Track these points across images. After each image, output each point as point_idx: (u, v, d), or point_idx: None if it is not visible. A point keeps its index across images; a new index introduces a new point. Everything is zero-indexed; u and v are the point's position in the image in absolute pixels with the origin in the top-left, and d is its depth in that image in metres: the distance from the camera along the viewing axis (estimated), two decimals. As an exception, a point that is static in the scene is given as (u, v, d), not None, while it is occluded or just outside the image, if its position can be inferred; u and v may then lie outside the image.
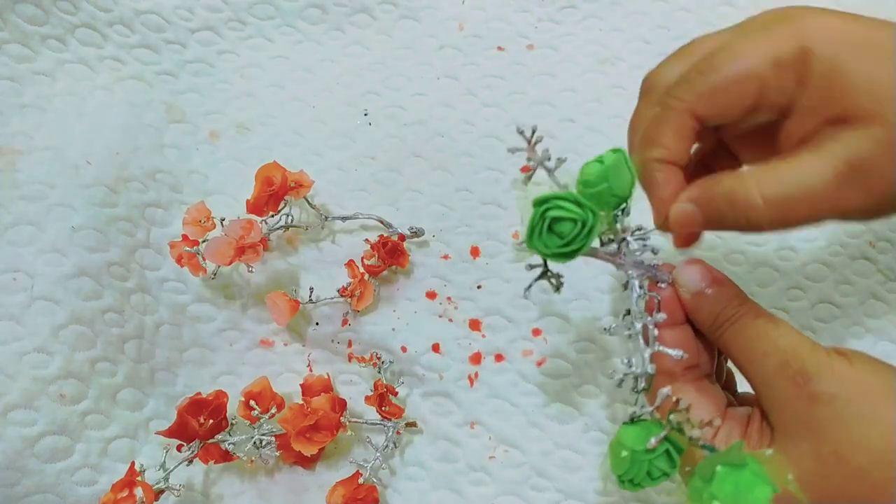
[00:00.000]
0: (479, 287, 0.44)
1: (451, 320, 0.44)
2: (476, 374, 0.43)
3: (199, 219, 0.42)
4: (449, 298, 0.44)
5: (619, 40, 0.50)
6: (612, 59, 0.50)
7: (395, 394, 0.41)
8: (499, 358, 0.43)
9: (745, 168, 0.28)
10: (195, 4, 0.50)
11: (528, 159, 0.28)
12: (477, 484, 0.41)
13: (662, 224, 0.29)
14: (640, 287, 0.28)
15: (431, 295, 0.45)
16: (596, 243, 0.29)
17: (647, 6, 0.51)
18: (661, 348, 0.27)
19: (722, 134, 0.32)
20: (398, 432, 0.41)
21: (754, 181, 0.27)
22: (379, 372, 0.42)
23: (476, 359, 0.43)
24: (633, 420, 0.27)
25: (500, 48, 0.50)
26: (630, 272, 0.29)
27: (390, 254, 0.43)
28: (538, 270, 0.30)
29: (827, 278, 0.44)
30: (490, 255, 0.45)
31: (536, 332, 0.44)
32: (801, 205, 0.26)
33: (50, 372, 0.36)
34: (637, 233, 0.29)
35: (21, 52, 0.43)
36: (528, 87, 0.49)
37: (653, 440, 0.25)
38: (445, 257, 0.45)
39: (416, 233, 0.44)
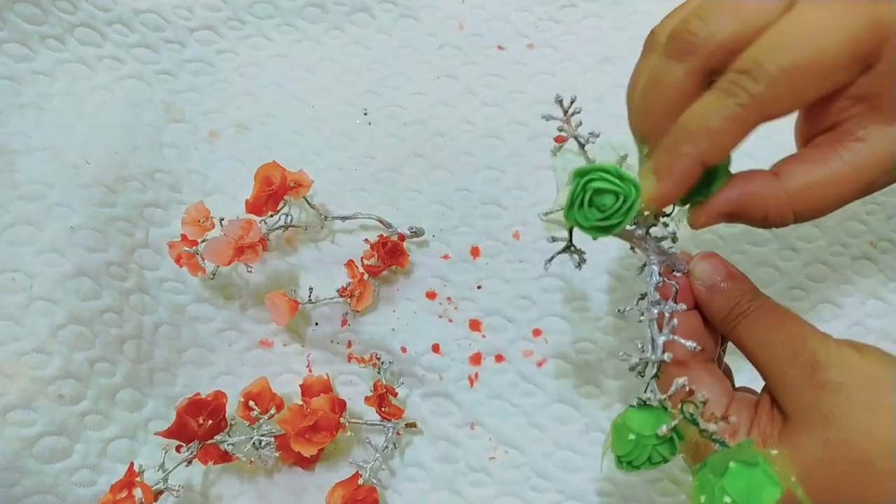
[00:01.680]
0: (479, 287, 0.44)
1: (451, 320, 0.44)
2: (476, 375, 0.43)
3: (198, 218, 0.42)
4: (449, 298, 0.44)
5: (620, 39, 0.50)
6: (612, 59, 0.50)
7: (395, 394, 0.41)
8: (499, 358, 0.43)
9: (773, 173, 0.28)
10: (194, 4, 0.49)
11: (560, 129, 0.28)
12: (477, 485, 0.41)
13: (693, 223, 0.28)
14: (660, 274, 0.28)
15: (431, 295, 0.45)
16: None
17: (647, 5, 0.50)
18: (675, 338, 0.27)
19: None
20: (398, 433, 0.41)
21: (788, 200, 0.27)
22: (379, 372, 0.42)
23: (476, 359, 0.43)
24: (641, 404, 0.27)
25: (500, 47, 0.50)
26: (651, 257, 0.29)
27: (390, 254, 0.43)
28: (560, 245, 0.30)
29: (828, 278, 0.44)
30: (490, 255, 0.45)
31: (537, 332, 0.43)
32: (827, 208, 0.27)
33: (49, 372, 0.36)
34: (664, 218, 0.29)
35: (20, 52, 0.43)
36: (529, 86, 0.49)
37: (664, 428, 0.26)
38: (445, 257, 0.45)
39: (416, 233, 0.44)
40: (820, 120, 0.28)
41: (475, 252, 0.45)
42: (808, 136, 0.29)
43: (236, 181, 0.46)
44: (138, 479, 0.35)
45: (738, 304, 0.27)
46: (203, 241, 0.41)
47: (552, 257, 0.30)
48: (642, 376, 0.28)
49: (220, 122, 0.48)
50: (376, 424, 0.41)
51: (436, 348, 0.43)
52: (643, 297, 0.29)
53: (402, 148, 0.48)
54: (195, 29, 0.49)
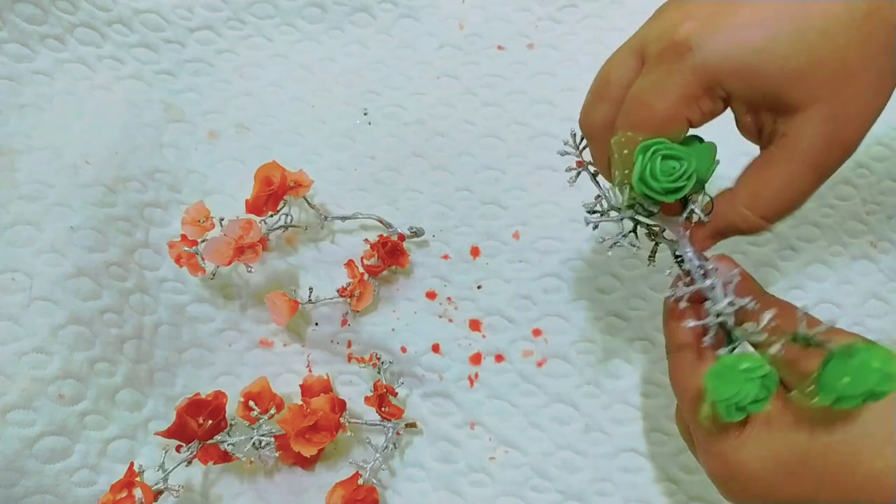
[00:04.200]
0: (479, 287, 0.44)
1: (451, 320, 0.44)
2: (476, 375, 0.43)
3: (197, 218, 0.42)
4: (449, 298, 0.44)
5: (620, 40, 0.49)
6: None
7: (395, 394, 0.41)
8: (499, 358, 0.43)
9: (730, 190, 0.31)
10: (194, 3, 0.49)
11: (569, 168, 0.32)
12: (477, 485, 0.41)
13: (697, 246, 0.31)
14: (698, 261, 0.30)
15: (431, 295, 0.44)
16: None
17: (647, 5, 0.50)
18: (736, 300, 0.29)
19: None
20: (398, 433, 0.41)
21: (745, 208, 0.29)
22: (379, 372, 0.42)
23: (476, 359, 0.43)
24: (730, 351, 0.29)
25: (500, 47, 0.50)
26: (688, 250, 0.31)
27: (390, 254, 0.43)
28: (612, 238, 0.32)
29: (828, 278, 0.44)
30: (490, 255, 0.45)
31: (537, 332, 0.43)
32: (792, 202, 0.29)
33: (49, 372, 0.36)
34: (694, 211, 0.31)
35: (20, 52, 0.43)
36: (529, 86, 0.49)
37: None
38: (445, 257, 0.45)
39: (416, 233, 0.44)
40: (757, 135, 0.31)
41: (475, 252, 0.45)
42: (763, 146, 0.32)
43: (236, 181, 0.46)
44: (138, 479, 0.35)
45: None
46: (203, 241, 0.41)
47: (612, 246, 0.32)
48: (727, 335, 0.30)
49: (219, 122, 0.48)
50: (376, 424, 0.41)
51: (436, 348, 0.43)
52: (682, 279, 0.31)
53: (402, 148, 0.48)
54: (195, 29, 0.49)
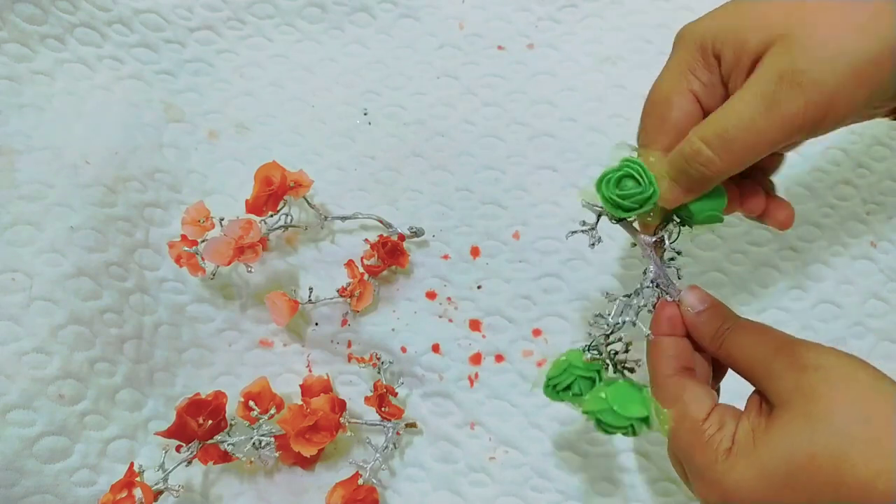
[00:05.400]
0: (479, 287, 0.44)
1: (451, 321, 0.44)
2: (476, 375, 0.43)
3: (197, 218, 0.42)
4: (449, 298, 0.44)
5: (620, 39, 0.50)
6: (612, 59, 0.49)
7: (395, 394, 0.41)
8: (499, 358, 0.43)
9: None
10: (194, 3, 0.49)
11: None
12: (477, 485, 0.41)
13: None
14: (654, 282, 0.32)
15: (431, 295, 0.45)
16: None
17: (647, 5, 0.50)
18: (638, 322, 0.32)
19: None
20: (398, 433, 0.41)
21: (693, 132, 0.30)
22: (379, 372, 0.42)
23: (476, 359, 0.43)
24: (584, 349, 0.32)
25: (500, 47, 0.50)
26: (651, 266, 0.32)
27: (390, 254, 0.43)
28: (583, 227, 0.34)
29: (828, 278, 0.44)
30: (490, 255, 0.45)
31: (537, 332, 0.43)
32: (742, 135, 0.28)
33: (49, 372, 0.36)
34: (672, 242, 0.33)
35: (20, 52, 0.43)
36: (529, 86, 0.49)
37: (587, 355, 0.32)
38: (445, 257, 0.45)
39: (416, 233, 0.44)
40: None
41: (475, 252, 0.45)
42: None
43: (236, 181, 0.46)
44: (138, 479, 0.35)
45: (723, 324, 0.31)
46: (203, 241, 0.41)
47: (573, 232, 0.34)
48: (606, 336, 0.33)
49: (219, 122, 0.48)
50: (376, 424, 0.41)
51: (436, 348, 0.43)
52: (635, 293, 0.33)
53: (402, 148, 0.48)
54: (195, 29, 0.49)
